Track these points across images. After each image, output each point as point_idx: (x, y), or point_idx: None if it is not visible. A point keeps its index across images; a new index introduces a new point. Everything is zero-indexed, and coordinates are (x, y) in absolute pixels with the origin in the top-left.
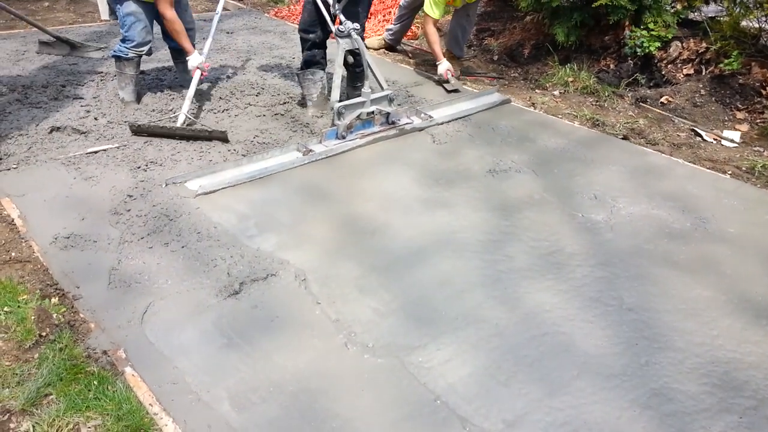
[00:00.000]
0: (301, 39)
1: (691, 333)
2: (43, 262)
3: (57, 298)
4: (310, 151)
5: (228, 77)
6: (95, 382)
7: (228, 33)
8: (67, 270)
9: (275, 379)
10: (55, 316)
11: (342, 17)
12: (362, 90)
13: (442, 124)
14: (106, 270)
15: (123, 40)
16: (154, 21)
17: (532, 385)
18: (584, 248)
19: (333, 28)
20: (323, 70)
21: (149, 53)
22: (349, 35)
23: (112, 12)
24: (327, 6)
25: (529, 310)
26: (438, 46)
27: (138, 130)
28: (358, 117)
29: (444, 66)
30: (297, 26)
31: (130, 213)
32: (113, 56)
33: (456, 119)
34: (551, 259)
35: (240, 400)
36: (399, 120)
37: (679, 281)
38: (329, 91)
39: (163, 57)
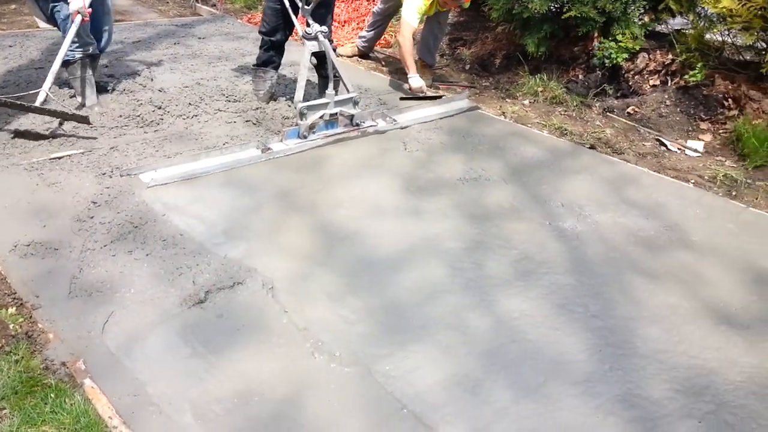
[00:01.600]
0: (262, 40)
1: (654, 339)
2: (0, 270)
3: (14, 308)
4: (269, 149)
5: (198, 83)
6: (52, 395)
7: (200, 38)
8: (26, 279)
9: (240, 390)
10: (12, 326)
11: (309, 19)
12: (326, 91)
13: (406, 127)
14: (66, 279)
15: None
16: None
17: (499, 393)
18: (552, 256)
19: (300, 30)
20: (276, 70)
21: (100, 51)
22: (316, 38)
23: (48, 19)
24: (295, 8)
25: (497, 317)
26: (412, 58)
27: None
28: (321, 117)
29: (418, 82)
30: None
31: (93, 220)
32: (63, 63)
33: (422, 123)
34: (520, 266)
35: (203, 412)
36: (363, 122)
37: (644, 288)
38: (293, 94)
39: (132, 61)
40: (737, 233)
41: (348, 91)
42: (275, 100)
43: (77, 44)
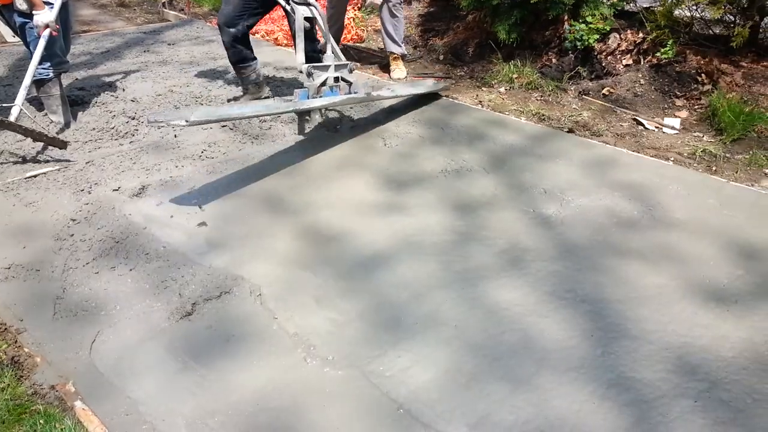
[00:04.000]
0: (224, 34)
1: (644, 320)
2: None
3: None
4: (289, 100)
5: (171, 90)
6: (41, 421)
7: (169, 44)
8: (8, 303)
9: (234, 401)
10: None
11: None
12: (325, 54)
13: (405, 97)
14: (50, 300)
15: (40, 60)
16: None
17: (493, 385)
18: (537, 243)
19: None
20: (255, 59)
21: (67, 70)
22: (306, 2)
23: (16, 32)
24: None
25: (486, 309)
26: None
27: None
28: (325, 83)
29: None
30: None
31: (73, 238)
32: (34, 81)
33: (416, 95)
34: (506, 256)
35: (198, 427)
36: (362, 90)
37: (630, 270)
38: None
39: (101, 72)
40: (719, 208)
41: (341, 58)
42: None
43: (50, 62)
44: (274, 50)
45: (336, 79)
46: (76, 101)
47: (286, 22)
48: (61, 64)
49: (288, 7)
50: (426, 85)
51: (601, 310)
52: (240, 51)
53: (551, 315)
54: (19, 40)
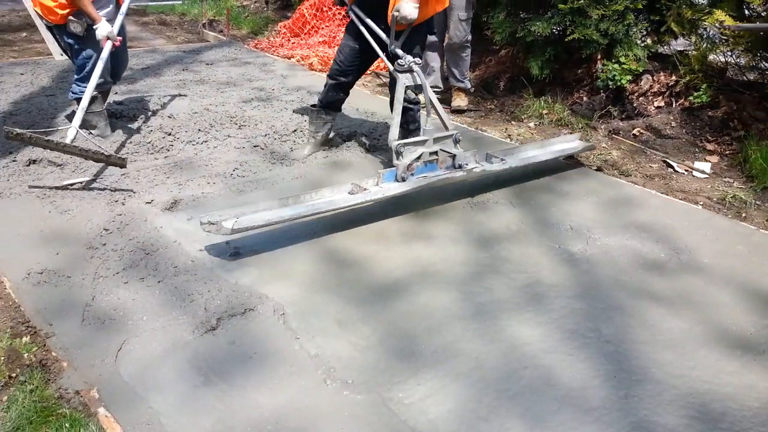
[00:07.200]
0: (332, 83)
1: (669, 364)
2: (15, 299)
3: (29, 337)
4: (365, 189)
5: (207, 109)
6: (67, 425)
7: (208, 64)
8: (39, 307)
9: (253, 418)
10: (26, 355)
11: (400, 51)
12: (424, 127)
13: (516, 168)
14: (79, 306)
15: (81, 80)
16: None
17: (513, 420)
18: (562, 279)
19: (390, 65)
20: (338, 112)
21: (108, 89)
22: (410, 70)
23: (65, 52)
24: (379, 42)
25: (509, 342)
26: None
27: (16, 138)
28: (420, 158)
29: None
30: (282, 59)
31: (105, 247)
32: (74, 99)
33: (529, 164)
34: (530, 290)
35: None
36: (467, 164)
37: (656, 312)
38: (379, 137)
39: (141, 88)
40: (748, 255)
41: (446, 128)
42: (329, 144)
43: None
44: (309, 75)
45: (434, 153)
46: (115, 115)
47: (321, 49)
48: (103, 84)
49: (391, 68)
50: (551, 150)
51: (625, 351)
52: (337, 98)
53: (574, 353)
54: (67, 58)
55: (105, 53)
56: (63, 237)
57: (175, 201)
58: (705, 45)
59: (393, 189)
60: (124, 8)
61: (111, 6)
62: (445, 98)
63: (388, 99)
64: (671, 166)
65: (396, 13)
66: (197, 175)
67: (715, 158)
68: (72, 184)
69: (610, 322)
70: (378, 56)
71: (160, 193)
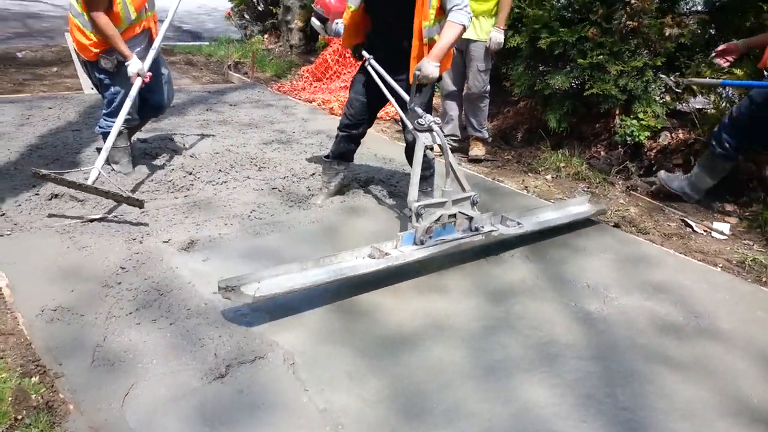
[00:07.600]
0: (343, 135)
1: None
2: (27, 336)
3: (38, 377)
4: (386, 254)
5: (228, 150)
6: None
7: (231, 105)
8: (51, 345)
9: None
10: (33, 396)
11: (419, 110)
12: (443, 188)
13: (531, 233)
14: (90, 347)
15: (109, 115)
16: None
17: None
18: (577, 339)
19: (409, 124)
20: (350, 162)
21: (134, 125)
22: (430, 129)
23: (96, 86)
24: (393, 95)
25: (521, 404)
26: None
27: (42, 178)
28: (439, 220)
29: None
30: (304, 102)
31: (120, 286)
32: (101, 133)
33: (544, 228)
34: (545, 349)
35: None
36: (483, 226)
37: (674, 379)
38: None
39: (165, 126)
40: None
41: (463, 189)
42: (342, 193)
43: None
44: (329, 119)
45: (452, 215)
46: (138, 152)
47: (343, 94)
48: (131, 121)
49: (410, 126)
50: (566, 214)
51: (641, 420)
52: (348, 149)
53: (588, 420)
54: (96, 92)
55: (134, 90)
56: (79, 273)
57: (192, 241)
58: (724, 104)
59: (413, 254)
60: (156, 44)
61: (144, 44)
62: (463, 147)
63: (404, 145)
64: (690, 226)
65: (418, 72)
66: (215, 215)
67: (734, 219)
68: (91, 220)
69: (626, 388)
70: (386, 102)
71: (178, 232)
